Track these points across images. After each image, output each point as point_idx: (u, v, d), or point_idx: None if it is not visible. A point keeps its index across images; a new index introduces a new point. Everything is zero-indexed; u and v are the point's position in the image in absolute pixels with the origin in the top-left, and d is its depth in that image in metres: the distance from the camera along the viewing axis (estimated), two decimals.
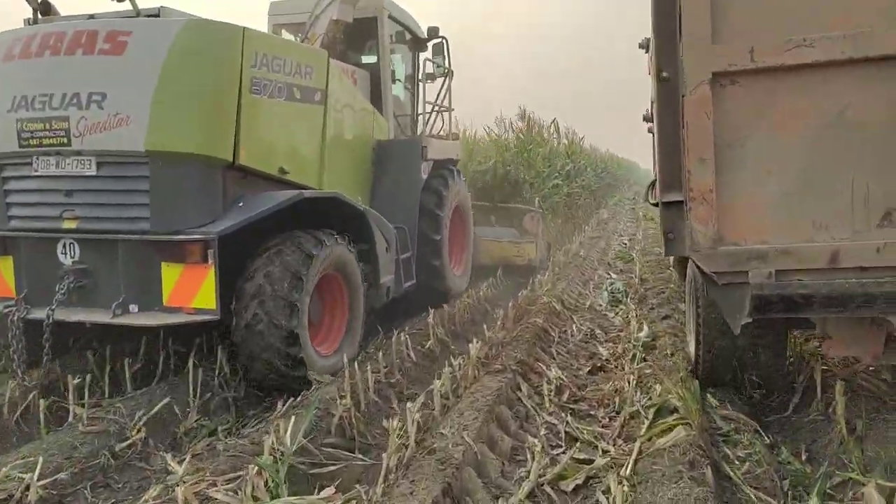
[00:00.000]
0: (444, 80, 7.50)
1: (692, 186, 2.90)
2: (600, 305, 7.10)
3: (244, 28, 4.43)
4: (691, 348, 4.34)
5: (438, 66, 7.29)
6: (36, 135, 4.16)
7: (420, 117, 7.60)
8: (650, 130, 4.03)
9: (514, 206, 9.29)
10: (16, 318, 4.18)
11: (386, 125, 6.57)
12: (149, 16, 4.29)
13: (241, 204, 4.32)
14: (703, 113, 2.88)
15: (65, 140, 4.11)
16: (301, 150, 5.04)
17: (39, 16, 4.61)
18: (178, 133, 4.10)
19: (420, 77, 7.59)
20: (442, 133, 7.61)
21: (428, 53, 7.52)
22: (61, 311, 4.16)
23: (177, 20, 4.25)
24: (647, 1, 3.08)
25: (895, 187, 2.78)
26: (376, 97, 6.56)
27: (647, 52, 4.89)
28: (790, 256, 2.85)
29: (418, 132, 7.45)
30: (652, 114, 3.75)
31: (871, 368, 3.83)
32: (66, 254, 4.31)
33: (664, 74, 2.96)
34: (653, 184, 4.11)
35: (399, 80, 7.30)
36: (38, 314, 4.19)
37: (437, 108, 7.42)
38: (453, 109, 7.64)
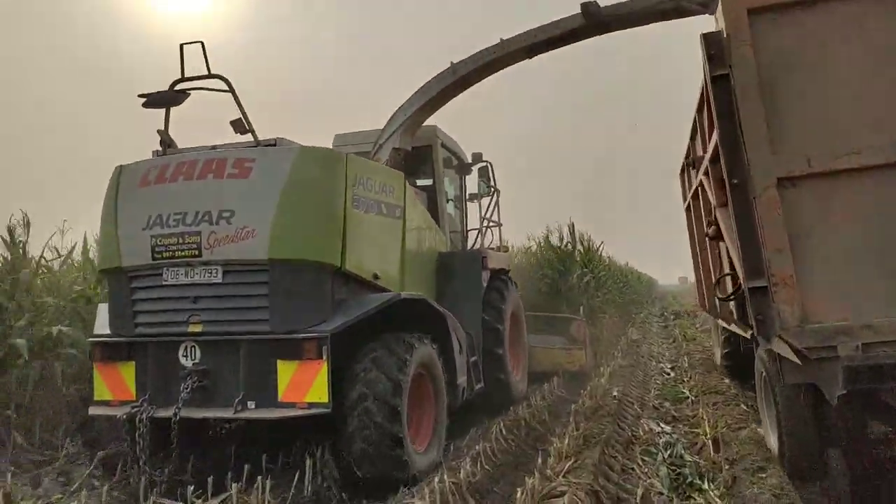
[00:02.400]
0: (491, 199, 8.36)
1: (773, 272, 3.51)
2: (660, 494, 4.44)
3: (347, 154, 5.24)
4: (773, 443, 4.68)
5: (489, 187, 8.15)
6: (169, 248, 4.83)
7: (469, 233, 8.40)
8: (712, 238, 4.65)
9: (561, 315, 9.84)
10: (144, 417, 4.61)
11: (444, 239, 7.30)
12: (267, 145, 5.11)
13: (347, 304, 4.89)
14: (774, 211, 3.54)
15: (196, 252, 4.76)
16: (387, 258, 5.69)
17: (167, 148, 5.44)
18: (296, 243, 4.75)
19: (467, 197, 8.47)
20: (492, 246, 8.33)
21: (473, 176, 8.45)
22: (185, 410, 4.60)
23: (292, 148, 5.05)
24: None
25: None
26: (434, 215, 7.33)
27: (693, 169, 5.69)
28: (873, 331, 3.38)
29: (467, 247, 8.19)
30: (717, 222, 4.42)
31: None
32: (187, 356, 4.82)
33: (735, 181, 3.66)
34: (719, 280, 4.70)
35: (450, 200, 8.15)
36: (164, 413, 4.63)
37: (488, 223, 8.20)
38: (502, 224, 8.43)
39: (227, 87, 5.11)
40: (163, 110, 5.38)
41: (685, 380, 8.69)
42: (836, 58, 3.62)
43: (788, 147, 3.61)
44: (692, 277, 9.17)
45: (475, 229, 8.27)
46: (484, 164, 8.31)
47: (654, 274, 46.31)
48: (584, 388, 7.61)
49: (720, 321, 7.43)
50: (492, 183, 8.30)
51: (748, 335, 5.35)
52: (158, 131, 5.36)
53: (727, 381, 7.80)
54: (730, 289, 4.28)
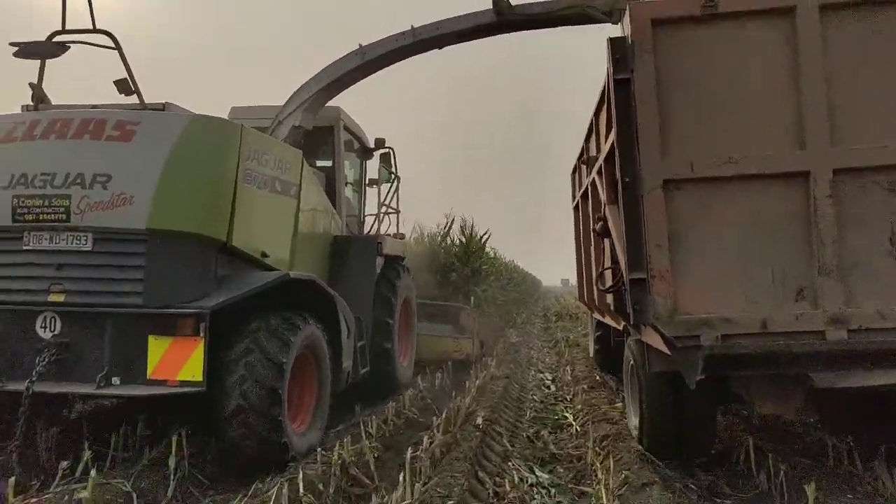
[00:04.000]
0: (391, 185, 8.25)
1: (652, 267, 3.65)
2: None
3: (241, 125, 4.94)
4: (634, 424, 4.96)
5: (390, 173, 8.03)
6: (33, 211, 4.34)
7: (366, 219, 8.25)
8: (599, 234, 4.83)
9: (450, 303, 9.88)
10: None
11: (340, 223, 7.10)
12: (154, 109, 4.72)
13: (230, 281, 4.62)
14: (658, 210, 3.69)
15: (63, 216, 4.32)
16: (278, 237, 5.44)
17: (39, 103, 4.90)
18: (180, 213, 4.42)
19: (366, 182, 8.31)
20: (388, 233, 8.22)
21: (374, 161, 8.30)
22: (42, 384, 4.16)
23: (183, 115, 4.70)
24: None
25: (802, 270, 3.67)
26: (331, 198, 7.12)
27: (587, 167, 5.86)
28: (731, 324, 3.62)
29: (363, 232, 8.03)
30: (605, 218, 4.56)
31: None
32: (45, 328, 4.37)
33: (626, 180, 3.77)
34: (602, 273, 4.86)
35: (349, 184, 7.96)
36: (15, 387, 4.17)
37: (387, 209, 8.08)
38: (400, 211, 8.35)
39: (112, 44, 4.67)
40: (38, 62, 4.85)
41: (568, 397, 7.35)
42: (724, 73, 3.82)
43: (675, 152, 3.77)
44: (574, 279, 9.45)
45: (373, 215, 8.14)
46: (386, 150, 8.18)
47: (539, 274, 47.32)
48: (439, 410, 5.80)
49: (595, 314, 7.74)
50: (393, 169, 8.19)
51: (620, 327, 5.61)
52: (30, 84, 4.82)
53: (619, 404, 6.24)
54: (610, 281, 4.43)
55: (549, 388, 8.15)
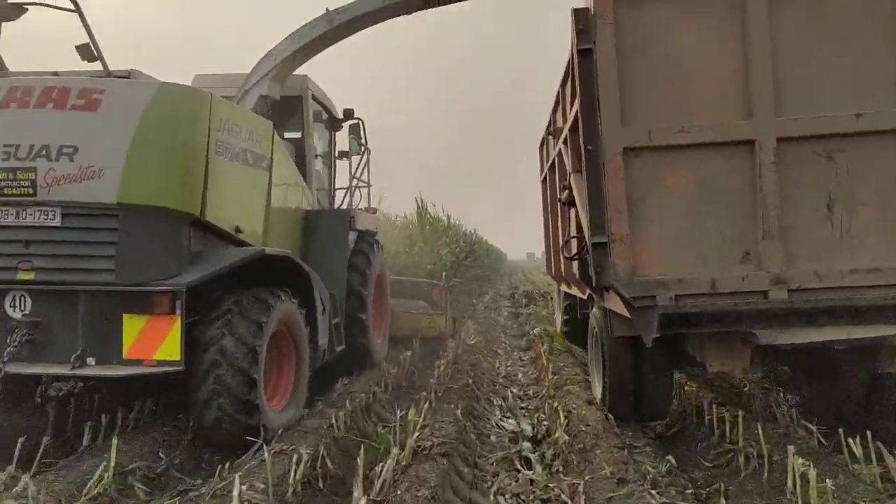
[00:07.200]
0: (361, 158, 8.58)
1: (613, 231, 4.14)
2: None
3: (211, 94, 5.15)
4: (598, 388, 5.58)
5: (360, 145, 8.37)
6: None
7: (336, 192, 8.59)
8: (565, 204, 5.32)
9: (422, 280, 10.33)
10: None
11: (311, 197, 7.44)
12: (119, 76, 4.92)
13: (205, 257, 4.91)
14: (618, 176, 4.17)
15: (30, 190, 4.53)
16: (251, 211, 5.72)
17: None
18: (151, 187, 4.67)
19: (335, 154, 8.64)
20: (360, 207, 8.60)
21: (343, 133, 8.62)
22: (14, 365, 4.42)
23: (152, 83, 4.94)
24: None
25: (748, 234, 4.20)
26: (301, 170, 7.43)
27: (554, 139, 6.32)
28: (683, 284, 4.15)
29: (334, 206, 8.38)
30: (570, 186, 5.03)
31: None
32: (15, 307, 4.62)
33: (589, 148, 4.23)
34: (567, 242, 5.36)
35: (319, 156, 8.28)
36: None
37: (357, 182, 8.45)
38: (371, 185, 8.71)
39: (72, 6, 4.85)
40: None
41: (558, 459, 4.37)
42: (678, 45, 4.28)
43: (635, 120, 4.24)
44: (539, 252, 9.92)
45: (343, 188, 8.48)
46: (355, 121, 8.47)
47: (504, 248, 47.71)
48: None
49: (563, 286, 8.26)
50: (362, 141, 8.51)
51: (585, 296, 6.14)
52: None
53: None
54: (575, 249, 4.94)
55: (529, 465, 4.55)
